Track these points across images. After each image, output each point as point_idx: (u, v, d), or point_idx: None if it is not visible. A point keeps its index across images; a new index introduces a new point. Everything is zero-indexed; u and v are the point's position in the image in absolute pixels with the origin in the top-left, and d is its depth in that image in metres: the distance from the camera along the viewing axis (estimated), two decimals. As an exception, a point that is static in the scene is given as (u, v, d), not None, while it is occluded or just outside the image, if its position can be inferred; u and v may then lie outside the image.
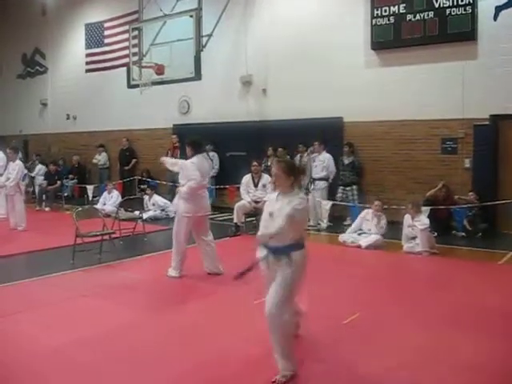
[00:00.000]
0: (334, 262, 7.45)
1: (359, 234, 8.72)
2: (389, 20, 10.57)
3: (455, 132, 10.08)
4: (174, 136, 13.62)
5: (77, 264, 7.18)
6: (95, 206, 11.08)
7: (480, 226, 9.32)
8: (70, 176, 15.43)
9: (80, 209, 8.46)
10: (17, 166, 10.28)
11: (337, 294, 5.86)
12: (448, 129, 10.16)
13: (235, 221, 9.76)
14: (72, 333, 4.66)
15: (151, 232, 9.87)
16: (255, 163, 10.01)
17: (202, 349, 4.32)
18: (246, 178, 10.01)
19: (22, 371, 3.94)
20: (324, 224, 10.44)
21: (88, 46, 16.58)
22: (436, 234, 8.67)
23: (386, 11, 10.59)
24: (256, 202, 9.51)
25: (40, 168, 15.30)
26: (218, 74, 13.07)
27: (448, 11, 9.87)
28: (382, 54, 10.88)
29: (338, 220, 10.63)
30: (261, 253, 3.88)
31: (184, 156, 7.36)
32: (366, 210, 8.98)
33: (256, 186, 9.89)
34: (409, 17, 10.33)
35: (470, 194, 9.52)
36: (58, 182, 14.24)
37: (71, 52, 17.13)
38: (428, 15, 10.10)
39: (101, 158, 15.57)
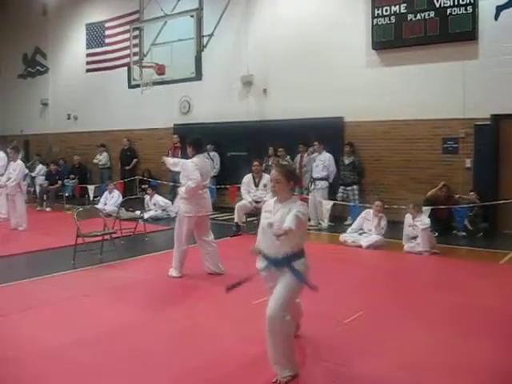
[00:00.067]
0: (334, 262, 7.44)
1: (360, 234, 8.72)
2: (390, 20, 10.57)
3: (456, 132, 10.07)
4: (175, 136, 13.63)
5: (78, 264, 7.18)
6: (96, 206, 11.10)
7: (481, 225, 9.32)
8: (71, 176, 15.43)
9: (81, 209, 8.46)
10: (18, 165, 10.28)
11: (337, 293, 5.85)
12: (449, 128, 10.16)
13: (236, 220, 9.76)
14: (72, 333, 4.66)
15: (152, 232, 9.88)
16: (256, 163, 10.01)
17: (202, 349, 4.32)
18: (247, 178, 10.01)
19: (22, 371, 3.94)
20: (325, 224, 10.44)
21: (89, 46, 16.60)
22: (437, 233, 8.68)
23: (386, 11, 10.59)
24: (257, 202, 9.50)
25: (41, 168, 15.34)
26: (219, 73, 13.08)
27: (449, 11, 9.87)
28: (383, 53, 10.88)
29: (339, 220, 10.63)
30: (260, 264, 3.84)
31: (185, 156, 7.35)
32: (366, 210, 8.97)
33: (257, 185, 9.89)
34: (409, 16, 10.32)
35: (471, 193, 9.52)
36: (59, 182, 14.26)
37: (72, 52, 17.13)
38: (429, 15, 10.09)
39: (102, 158, 15.58)
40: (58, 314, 5.26)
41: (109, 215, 10.24)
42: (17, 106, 18.62)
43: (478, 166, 9.89)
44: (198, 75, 12.15)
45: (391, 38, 10.60)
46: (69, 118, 17.11)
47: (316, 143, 10.84)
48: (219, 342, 4.46)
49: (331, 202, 10.45)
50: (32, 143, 18.47)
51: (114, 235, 8.02)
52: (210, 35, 12.10)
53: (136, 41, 13.13)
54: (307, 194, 10.73)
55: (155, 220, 11.38)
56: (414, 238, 8.13)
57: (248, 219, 9.91)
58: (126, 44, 14.37)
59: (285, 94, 12.04)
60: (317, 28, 11.56)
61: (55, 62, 17.69)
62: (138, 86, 13.09)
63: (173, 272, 6.67)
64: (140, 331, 4.76)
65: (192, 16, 11.66)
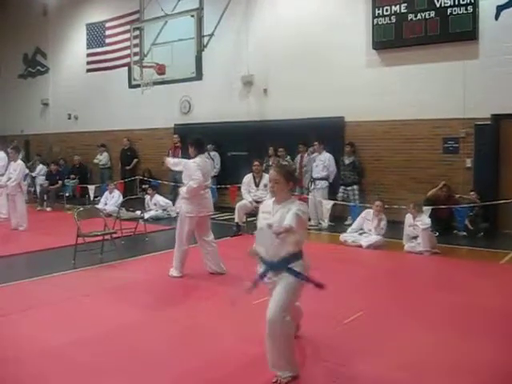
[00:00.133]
0: (334, 262, 7.43)
1: (360, 234, 8.72)
2: (390, 19, 10.56)
3: (456, 132, 10.07)
4: (176, 136, 13.63)
5: (78, 264, 7.18)
6: (96, 206, 11.10)
7: (481, 225, 9.32)
8: (72, 176, 15.44)
9: (81, 209, 8.46)
10: (18, 165, 10.28)
11: (337, 293, 5.84)
12: (449, 128, 10.15)
13: (236, 220, 9.76)
14: (72, 333, 4.67)
15: (153, 232, 9.88)
16: (256, 163, 10.01)
17: (202, 349, 4.32)
18: (247, 178, 10.01)
19: (22, 371, 3.94)
20: (325, 224, 10.44)
21: (89, 46, 16.61)
22: (437, 233, 8.68)
23: (387, 11, 10.58)
24: (257, 202, 9.48)
25: (41, 168, 15.35)
26: (219, 73, 13.08)
27: (449, 11, 9.86)
28: (384, 53, 10.88)
29: (339, 220, 10.63)
30: (259, 268, 3.80)
31: (185, 156, 7.36)
32: (367, 210, 8.97)
33: (257, 185, 9.89)
34: (410, 16, 10.32)
35: (472, 193, 9.52)
36: (60, 182, 14.27)
37: (72, 52, 17.14)
38: (429, 15, 10.09)
39: (102, 158, 15.59)
40: (58, 314, 5.26)
41: (109, 215, 10.23)
42: (17, 105, 18.63)
43: (478, 165, 9.88)
44: (199, 75, 12.15)
45: (391, 38, 10.60)
46: (69, 118, 17.12)
47: (316, 143, 10.84)
48: (219, 341, 4.47)
49: (331, 202, 10.45)
50: (32, 143, 18.48)
51: (114, 235, 8.02)
52: (211, 35, 12.09)
53: (136, 41, 13.13)
54: (307, 194, 10.73)
55: (156, 220, 11.39)
56: (415, 237, 8.13)
57: (248, 219, 9.91)
58: (127, 44, 14.37)
59: (285, 94, 12.04)
60: (317, 28, 11.56)
61: (56, 62, 17.70)
62: (138, 85, 13.09)
63: (173, 272, 6.67)
64: (140, 331, 4.76)
65: (192, 16, 11.65)
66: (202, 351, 4.27)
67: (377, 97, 10.76)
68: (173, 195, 12.92)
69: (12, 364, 4.05)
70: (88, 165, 16.09)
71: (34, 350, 4.28)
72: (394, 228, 8.81)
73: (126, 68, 14.77)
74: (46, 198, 13.80)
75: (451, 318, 5.04)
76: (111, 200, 12.21)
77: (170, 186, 13.16)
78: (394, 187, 10.78)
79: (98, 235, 7.61)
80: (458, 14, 9.80)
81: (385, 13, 10.61)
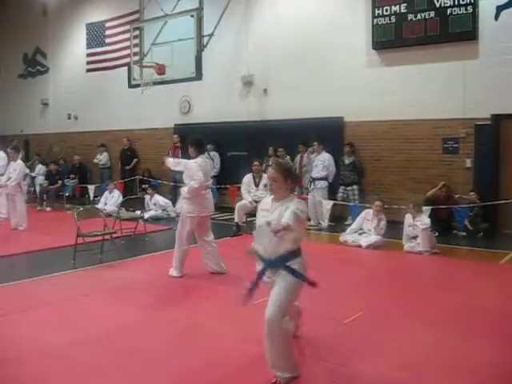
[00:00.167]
0: (334, 262, 7.44)
1: (360, 234, 8.72)
2: (390, 20, 10.56)
3: (456, 132, 10.07)
4: (175, 136, 13.62)
5: (78, 264, 7.18)
6: (96, 206, 11.11)
7: (481, 225, 9.32)
8: (72, 176, 15.44)
9: (81, 208, 8.46)
10: (18, 165, 10.28)
11: (337, 293, 5.86)
12: (449, 128, 10.15)
13: (236, 220, 9.77)
14: (72, 333, 4.67)
15: (152, 232, 9.88)
16: (256, 163, 10.01)
17: (202, 349, 4.32)
18: (247, 178, 10.01)
19: (22, 371, 3.94)
20: (325, 224, 10.44)
21: (89, 46, 16.60)
22: (437, 233, 8.68)
23: (387, 11, 10.59)
24: (257, 202, 9.47)
25: (40, 168, 15.34)
26: (219, 73, 13.08)
27: (449, 11, 9.86)
28: (383, 53, 10.88)
29: (339, 220, 10.62)
30: (259, 266, 3.80)
31: (185, 156, 7.36)
32: (366, 210, 8.98)
33: (257, 185, 9.89)
34: (410, 16, 10.32)
35: (471, 193, 9.52)
36: (59, 182, 14.27)
37: (72, 52, 17.14)
38: (429, 15, 10.09)
39: (102, 158, 15.59)
40: (58, 314, 5.26)
41: (109, 215, 10.22)
42: (17, 105, 18.63)
43: (478, 165, 9.88)
44: (199, 75, 12.15)
45: (391, 38, 10.60)
46: (69, 118, 17.11)
47: (315, 143, 10.84)
48: (219, 341, 4.47)
49: (331, 202, 10.45)
50: (32, 143, 18.47)
51: (114, 235, 8.02)
52: (211, 35, 12.09)
53: (136, 41, 13.12)
54: (307, 194, 10.73)
55: (155, 220, 11.38)
56: (414, 237, 8.13)
57: (248, 219, 9.90)
58: (127, 44, 14.36)
59: (285, 94, 12.04)
60: (317, 28, 11.56)
61: (55, 62, 17.69)
62: (138, 85, 13.09)
63: (173, 272, 6.67)
64: (140, 331, 4.76)
65: (192, 16, 11.65)
66: (202, 351, 4.27)
67: (377, 97, 10.76)
68: (172, 195, 12.94)
69: (12, 364, 4.05)
70: (88, 165, 16.09)
71: (33, 350, 4.28)
72: (394, 228, 8.81)
73: (126, 68, 14.77)
74: (45, 197, 13.79)
75: (451, 318, 5.04)
76: (111, 200, 12.21)
77: (170, 185, 13.16)
78: (393, 187, 10.78)
79: (97, 235, 7.61)
80: (457, 14, 9.80)
81: (385, 13, 10.61)
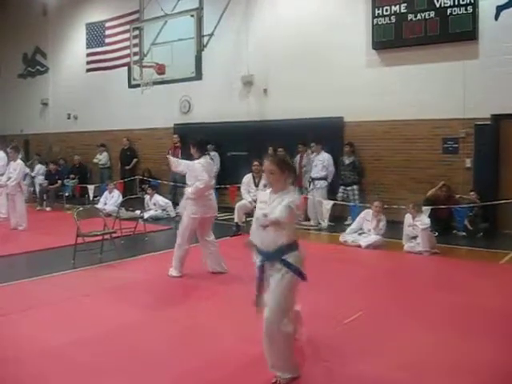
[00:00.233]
0: (334, 262, 7.44)
1: (360, 234, 8.72)
2: (390, 20, 10.56)
3: (456, 132, 10.07)
4: (175, 136, 13.62)
5: (78, 264, 7.18)
6: (96, 206, 11.10)
7: (481, 225, 9.32)
8: (71, 176, 15.43)
9: (81, 208, 8.46)
10: (18, 165, 10.27)
11: (337, 293, 5.86)
12: (449, 128, 10.15)
13: (236, 220, 9.77)
14: (72, 333, 4.66)
15: (152, 232, 9.88)
16: (256, 163, 10.00)
17: (202, 349, 4.32)
18: (247, 178, 10.01)
19: (22, 371, 3.94)
20: (324, 224, 10.44)
21: (89, 46, 16.60)
22: (437, 233, 8.68)
23: (387, 11, 10.58)
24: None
25: (40, 168, 15.33)
26: (219, 73, 13.08)
27: (449, 11, 9.86)
28: (383, 53, 10.88)
29: (339, 220, 10.62)
30: (255, 258, 3.78)
31: (185, 156, 7.36)
32: (366, 210, 8.98)
33: (257, 185, 9.89)
34: (410, 16, 10.32)
35: (471, 193, 9.52)
36: (59, 182, 14.26)
37: (72, 52, 17.14)
38: (429, 15, 10.09)
39: (102, 158, 15.58)
40: (58, 313, 5.26)
41: (109, 215, 10.23)
42: (17, 105, 18.62)
43: (478, 165, 9.88)
44: (199, 75, 12.17)
45: (391, 38, 10.60)
46: (69, 118, 17.11)
47: (313, 144, 10.84)
48: (219, 341, 4.46)
49: (331, 202, 10.45)
50: (32, 143, 18.47)
51: (113, 235, 8.02)
52: (211, 35, 12.09)
53: (136, 40, 13.13)
54: (306, 194, 10.73)
55: (155, 220, 11.38)
56: (414, 237, 8.13)
57: (248, 219, 9.89)
58: (126, 44, 14.36)
59: (285, 94, 12.04)
60: (317, 28, 11.56)
61: (55, 62, 17.69)
62: (138, 85, 13.10)
63: (173, 272, 6.67)
64: (140, 331, 4.76)
65: (192, 16, 11.65)
66: (202, 351, 4.27)
67: (377, 97, 10.76)
68: (172, 195, 12.94)
69: (12, 364, 4.05)
70: (88, 165, 16.08)
71: (34, 350, 4.27)
72: (394, 228, 8.81)
73: (126, 68, 14.78)
74: (45, 197, 13.79)
75: (451, 318, 5.04)
76: (111, 200, 12.22)
77: (170, 185, 13.16)
78: (393, 187, 10.78)
79: (97, 235, 7.61)
80: (457, 14, 9.80)
81: (385, 13, 10.61)
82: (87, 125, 16.42)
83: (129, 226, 9.24)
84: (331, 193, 10.81)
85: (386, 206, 8.94)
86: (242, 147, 12.62)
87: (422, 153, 10.47)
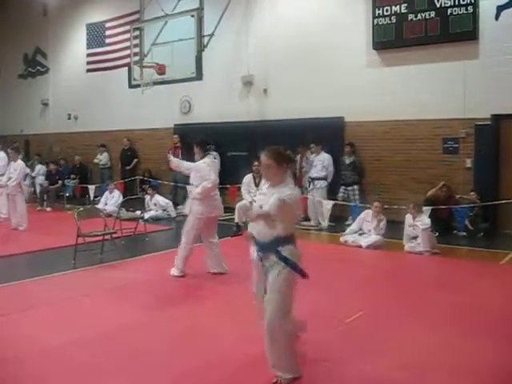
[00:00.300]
0: (334, 262, 7.44)
1: (360, 235, 8.72)
2: (390, 20, 10.56)
3: (456, 132, 10.07)
4: (176, 136, 13.61)
5: (78, 264, 7.17)
6: (97, 206, 11.11)
7: (481, 225, 9.31)
8: (72, 176, 15.44)
9: (81, 209, 8.46)
10: (18, 165, 10.28)
11: (338, 293, 5.86)
12: (449, 128, 10.15)
13: (236, 220, 9.77)
14: (72, 333, 4.66)
15: (152, 232, 9.88)
16: (256, 163, 9.96)
17: (202, 349, 4.32)
18: (247, 178, 10.00)
19: (22, 371, 3.94)
20: (324, 224, 10.43)
21: (89, 46, 16.61)
22: (437, 233, 8.67)
23: (387, 11, 10.58)
24: (257, 202, 9.48)
25: (40, 168, 15.33)
26: (220, 73, 13.08)
27: (449, 11, 9.86)
28: (384, 53, 10.88)
29: (340, 220, 10.62)
30: (252, 251, 3.78)
31: (185, 156, 7.36)
32: (366, 211, 8.97)
33: (257, 185, 9.85)
34: (410, 16, 10.32)
35: (472, 193, 9.52)
36: (59, 182, 14.27)
37: (72, 52, 17.14)
38: (429, 15, 10.09)
39: (102, 158, 15.58)
40: (58, 314, 5.26)
41: (109, 215, 10.22)
42: (17, 105, 18.63)
43: (478, 165, 9.88)
44: (199, 75, 12.15)
45: (392, 38, 10.60)
46: (69, 118, 17.12)
47: (313, 145, 10.84)
48: (220, 341, 4.46)
49: (331, 202, 10.44)
50: (32, 143, 18.48)
51: (114, 235, 8.02)
52: (211, 35, 12.09)
53: (136, 41, 13.13)
54: (306, 194, 10.73)
55: (156, 220, 11.38)
56: (415, 238, 8.13)
57: (248, 219, 9.89)
58: (127, 44, 14.36)
59: (285, 94, 12.03)
60: (317, 28, 11.56)
61: (56, 62, 17.70)
62: (138, 85, 13.09)
63: (174, 271, 6.67)
64: (140, 331, 4.76)
65: (192, 16, 11.65)
66: (202, 351, 4.27)
67: (377, 97, 10.76)
68: (172, 195, 12.94)
69: (12, 364, 4.05)
70: (88, 165, 16.09)
71: (34, 350, 4.28)
72: (394, 228, 8.81)
73: (126, 68, 14.77)
74: (45, 197, 13.79)
75: (452, 318, 5.03)
76: (111, 200, 12.22)
77: (170, 186, 13.16)
78: (394, 187, 10.78)
79: (98, 235, 7.61)
80: (458, 14, 9.79)
81: (385, 13, 10.61)
82: (87, 125, 16.42)
83: (129, 227, 9.24)
84: (332, 193, 10.81)
85: (386, 206, 8.94)
86: (242, 147, 12.61)
87: (423, 153, 10.47)
